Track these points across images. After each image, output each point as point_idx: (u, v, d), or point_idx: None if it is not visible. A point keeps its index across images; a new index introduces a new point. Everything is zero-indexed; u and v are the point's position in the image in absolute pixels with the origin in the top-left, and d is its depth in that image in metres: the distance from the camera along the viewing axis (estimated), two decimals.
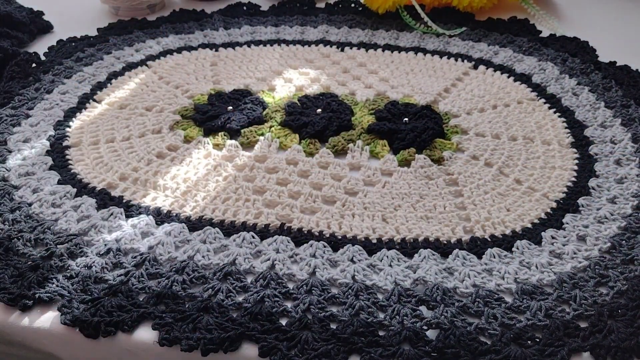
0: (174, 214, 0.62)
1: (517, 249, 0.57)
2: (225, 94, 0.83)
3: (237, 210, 0.63)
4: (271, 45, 0.97)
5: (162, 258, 0.57)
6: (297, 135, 0.75)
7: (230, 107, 0.78)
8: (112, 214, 0.62)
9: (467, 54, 0.93)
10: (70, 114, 0.80)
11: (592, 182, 0.65)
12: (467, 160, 0.70)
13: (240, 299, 0.52)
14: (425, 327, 0.49)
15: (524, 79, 0.85)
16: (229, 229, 0.61)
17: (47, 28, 1.04)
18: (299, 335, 0.48)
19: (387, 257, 0.57)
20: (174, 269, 0.55)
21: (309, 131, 0.74)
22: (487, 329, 0.49)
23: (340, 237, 0.59)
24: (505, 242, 0.58)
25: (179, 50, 0.95)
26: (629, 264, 0.55)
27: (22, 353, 0.54)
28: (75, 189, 0.66)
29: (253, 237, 0.59)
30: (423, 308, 0.51)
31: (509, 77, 0.86)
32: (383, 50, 0.94)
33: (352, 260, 0.56)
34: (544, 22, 1.01)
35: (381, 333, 0.49)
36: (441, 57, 0.92)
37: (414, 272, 0.55)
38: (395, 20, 1.02)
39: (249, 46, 0.97)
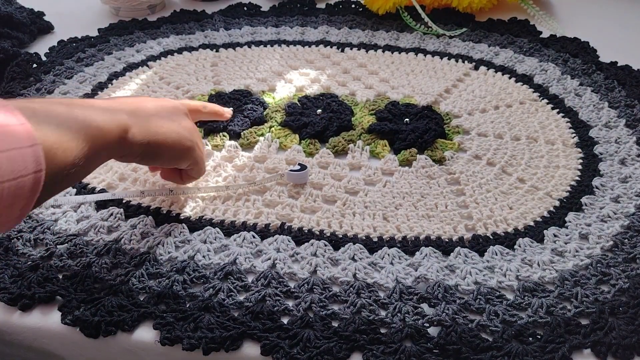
0: (174, 214, 0.62)
1: (519, 246, 0.57)
2: (226, 94, 0.83)
3: (237, 210, 0.63)
4: (271, 46, 0.97)
5: (162, 258, 0.57)
6: (297, 136, 0.74)
7: (231, 108, 0.78)
8: (111, 214, 0.62)
9: (467, 54, 0.92)
10: None
11: (596, 182, 0.65)
12: (469, 159, 0.70)
13: (241, 298, 0.52)
14: (427, 324, 0.49)
15: (525, 79, 0.85)
16: (229, 228, 0.60)
17: (47, 28, 1.04)
18: (301, 333, 0.48)
19: (389, 255, 0.56)
20: (174, 269, 0.55)
21: (309, 131, 0.74)
22: (489, 326, 0.49)
23: (341, 236, 0.59)
24: (508, 240, 0.58)
25: (180, 50, 0.95)
26: (631, 262, 0.54)
27: (22, 353, 0.54)
28: (74, 189, 0.66)
29: (254, 237, 0.59)
30: (425, 305, 0.51)
31: (510, 77, 0.86)
32: (383, 51, 0.94)
33: (353, 259, 0.56)
34: (544, 22, 1.01)
35: (383, 330, 0.49)
36: (441, 58, 0.92)
37: (416, 270, 0.55)
38: (396, 21, 1.02)
39: (249, 47, 0.97)
